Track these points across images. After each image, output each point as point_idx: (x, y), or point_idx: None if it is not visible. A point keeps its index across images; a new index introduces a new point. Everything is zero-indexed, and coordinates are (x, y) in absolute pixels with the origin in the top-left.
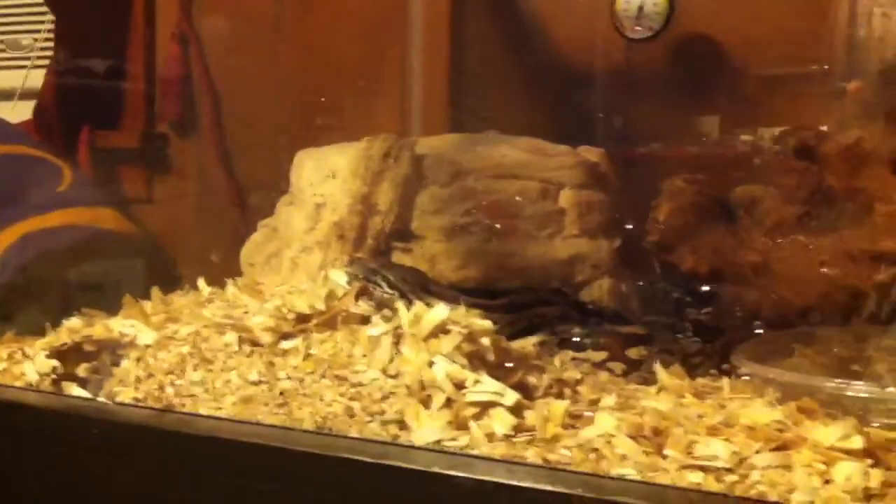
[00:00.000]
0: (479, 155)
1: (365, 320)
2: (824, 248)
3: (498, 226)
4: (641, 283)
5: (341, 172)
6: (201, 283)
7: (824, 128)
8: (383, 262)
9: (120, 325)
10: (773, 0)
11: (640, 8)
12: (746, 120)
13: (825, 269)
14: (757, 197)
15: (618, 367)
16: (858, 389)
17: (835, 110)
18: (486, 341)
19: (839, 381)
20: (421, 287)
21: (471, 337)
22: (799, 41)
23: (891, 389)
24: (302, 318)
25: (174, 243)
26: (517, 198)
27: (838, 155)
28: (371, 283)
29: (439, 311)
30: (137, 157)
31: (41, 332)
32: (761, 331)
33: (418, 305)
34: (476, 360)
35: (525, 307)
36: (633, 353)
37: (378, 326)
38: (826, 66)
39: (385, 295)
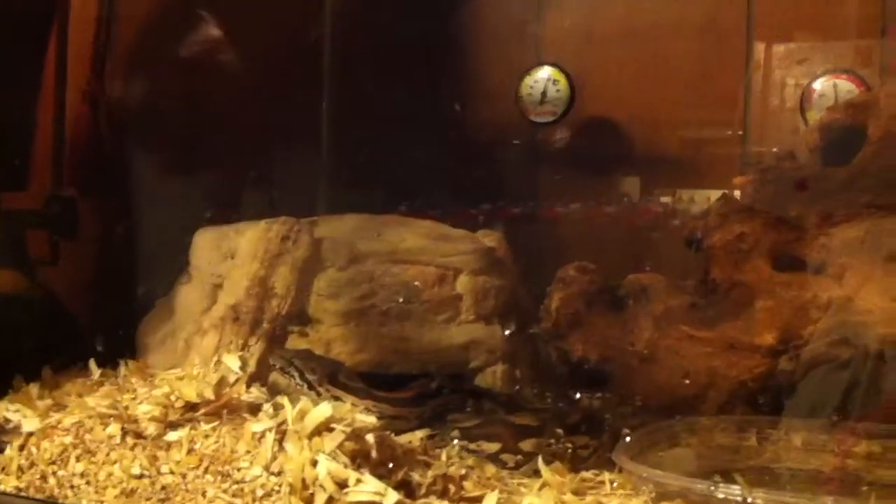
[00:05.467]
0: (377, 239)
1: (255, 409)
2: (709, 338)
3: (394, 310)
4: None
5: (240, 253)
6: (92, 364)
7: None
8: (301, 352)
9: (5, 410)
10: (688, 82)
11: (543, 93)
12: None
13: (709, 360)
14: (646, 286)
15: (511, 458)
16: (728, 492)
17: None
18: (370, 438)
19: (709, 483)
20: (329, 379)
21: (355, 434)
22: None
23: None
24: (190, 407)
25: (78, 305)
26: (414, 283)
27: (722, 248)
28: (286, 374)
29: (323, 408)
30: (43, 218)
31: None
32: (646, 420)
33: (303, 401)
34: (360, 458)
35: (430, 397)
36: (526, 445)
37: (262, 422)
38: (740, 133)
39: (297, 386)
